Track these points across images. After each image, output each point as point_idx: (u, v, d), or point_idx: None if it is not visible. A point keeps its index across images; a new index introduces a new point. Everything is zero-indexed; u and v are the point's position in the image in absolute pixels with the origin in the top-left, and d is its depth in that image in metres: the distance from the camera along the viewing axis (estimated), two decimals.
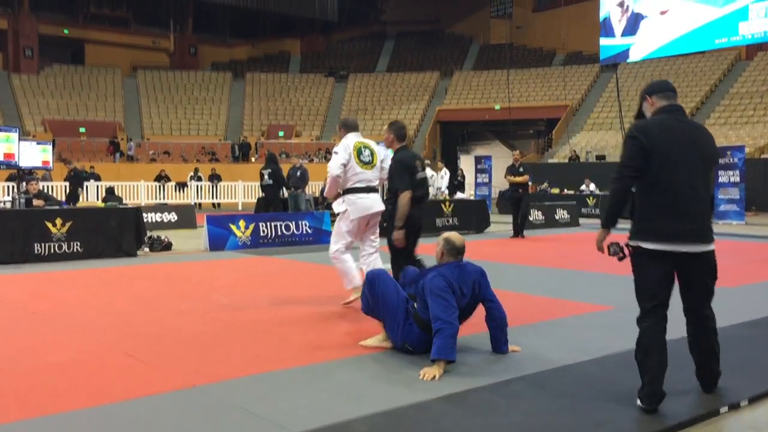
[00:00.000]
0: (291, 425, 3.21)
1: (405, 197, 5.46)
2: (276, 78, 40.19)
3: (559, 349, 4.64)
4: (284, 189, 16.26)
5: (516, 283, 7.67)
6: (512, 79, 34.64)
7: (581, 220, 17.66)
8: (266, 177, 15.73)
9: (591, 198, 20.78)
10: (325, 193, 6.28)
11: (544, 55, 40.32)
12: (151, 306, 6.30)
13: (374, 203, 5.96)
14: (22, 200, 10.04)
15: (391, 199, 5.69)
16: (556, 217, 16.64)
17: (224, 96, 37.88)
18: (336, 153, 5.96)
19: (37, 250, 9.52)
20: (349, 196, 5.93)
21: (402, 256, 5.65)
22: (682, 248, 3.45)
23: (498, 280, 7.82)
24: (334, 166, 5.88)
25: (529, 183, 14.20)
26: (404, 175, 5.57)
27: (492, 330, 4.55)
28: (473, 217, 15.00)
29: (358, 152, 5.97)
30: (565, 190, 21.99)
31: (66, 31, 38.89)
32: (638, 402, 3.46)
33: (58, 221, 9.71)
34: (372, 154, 6.06)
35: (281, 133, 34.88)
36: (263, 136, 34.85)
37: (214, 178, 25.85)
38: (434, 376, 3.90)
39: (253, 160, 31.08)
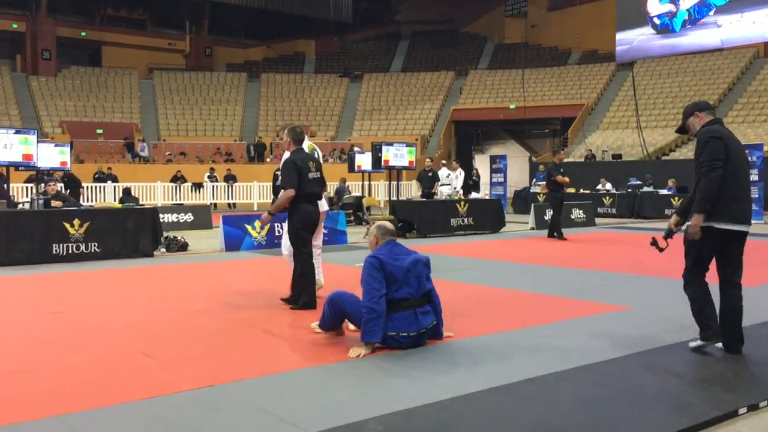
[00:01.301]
0: (307, 424, 3.22)
1: (286, 194, 6.00)
2: (291, 79, 40.30)
3: (576, 349, 4.61)
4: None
5: (532, 283, 7.64)
6: (527, 79, 34.51)
7: (597, 220, 17.55)
8: (278, 179, 15.70)
9: (607, 197, 20.65)
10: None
11: (559, 54, 40.13)
12: (168, 306, 6.34)
13: (320, 206, 6.44)
14: (41, 201, 10.14)
15: (277, 194, 6.15)
16: (572, 217, 16.56)
17: (239, 97, 38.05)
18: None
19: (56, 250, 9.62)
20: None
21: (302, 243, 6.13)
22: (743, 228, 4.36)
23: (514, 281, 7.81)
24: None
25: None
26: (293, 174, 6.01)
27: None
28: (488, 217, 14.96)
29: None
30: (581, 190, 21.86)
31: (83, 33, 39.20)
32: (703, 343, 4.40)
33: (76, 222, 9.80)
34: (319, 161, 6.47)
35: None
36: (278, 136, 34.94)
37: (230, 178, 25.98)
38: (359, 354, 4.43)
39: (268, 160, 31.16)
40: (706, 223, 4.29)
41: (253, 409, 3.46)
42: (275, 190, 16.20)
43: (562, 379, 3.95)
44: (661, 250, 4.57)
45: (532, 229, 15.41)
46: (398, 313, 4.52)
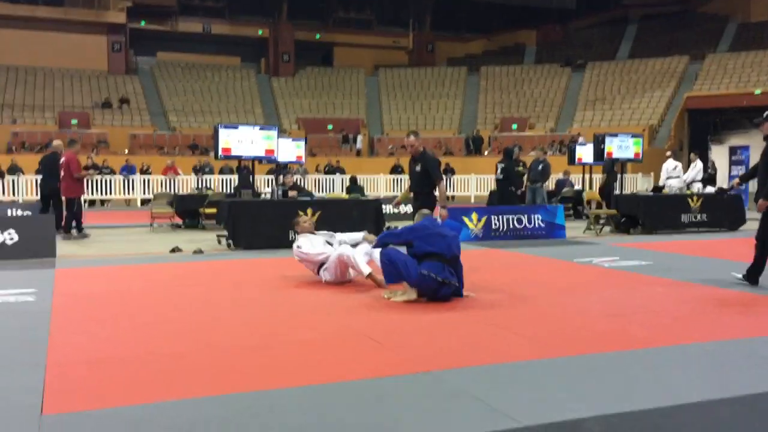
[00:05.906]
0: (521, 417, 3.21)
1: (444, 185, 7.89)
2: (510, 71, 39.96)
3: None
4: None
5: None
6: None
7: None
8: (498, 171, 15.74)
9: None
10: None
11: None
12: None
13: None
14: (280, 192, 11.16)
15: (426, 188, 7.78)
16: None
17: (459, 91, 38.56)
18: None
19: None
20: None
21: None
22: None
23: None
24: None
25: None
26: (440, 168, 8.07)
27: None
28: (725, 214, 13.63)
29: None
30: None
31: (318, 36, 42.29)
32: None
33: (309, 211, 10.63)
34: None
35: (515, 126, 34.65)
36: (496, 129, 34.89)
37: (448, 171, 26.47)
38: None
39: (485, 153, 31.25)
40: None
41: (468, 397, 3.53)
42: (496, 182, 16.24)
43: None
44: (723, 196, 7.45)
45: None
46: (432, 261, 5.94)
